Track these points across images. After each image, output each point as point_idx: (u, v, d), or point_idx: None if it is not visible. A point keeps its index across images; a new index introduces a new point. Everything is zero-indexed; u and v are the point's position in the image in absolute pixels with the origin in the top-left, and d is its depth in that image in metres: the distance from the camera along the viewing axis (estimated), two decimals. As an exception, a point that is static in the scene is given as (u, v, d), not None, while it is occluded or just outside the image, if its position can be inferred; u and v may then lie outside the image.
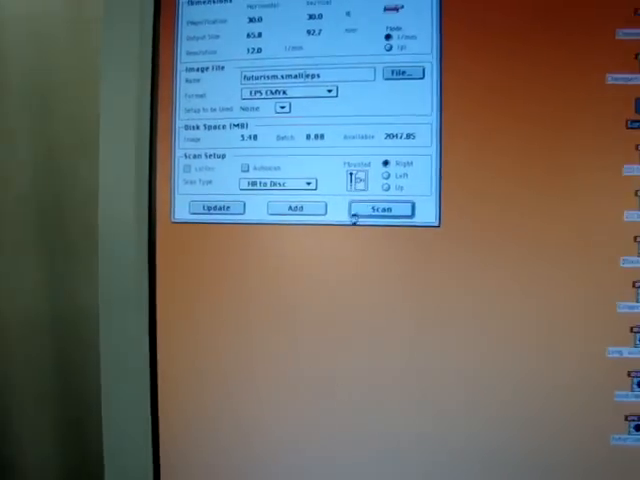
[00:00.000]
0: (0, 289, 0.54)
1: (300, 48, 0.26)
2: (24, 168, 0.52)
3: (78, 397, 0.53)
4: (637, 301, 0.25)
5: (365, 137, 0.26)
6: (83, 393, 0.47)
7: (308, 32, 0.26)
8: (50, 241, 0.53)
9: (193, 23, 0.28)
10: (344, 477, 0.27)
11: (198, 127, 0.27)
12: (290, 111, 0.27)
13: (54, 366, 0.55)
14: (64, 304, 0.54)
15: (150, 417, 0.29)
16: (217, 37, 0.27)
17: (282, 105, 0.27)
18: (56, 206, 0.53)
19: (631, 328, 0.25)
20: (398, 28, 0.26)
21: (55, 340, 0.54)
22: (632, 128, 0.25)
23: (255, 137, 0.27)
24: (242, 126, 0.27)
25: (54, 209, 0.53)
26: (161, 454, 0.29)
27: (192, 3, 0.28)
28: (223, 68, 0.27)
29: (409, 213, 0.26)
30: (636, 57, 0.25)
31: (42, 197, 0.53)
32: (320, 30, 0.26)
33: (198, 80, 0.27)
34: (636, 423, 0.25)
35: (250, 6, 0.27)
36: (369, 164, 0.26)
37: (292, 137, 0.27)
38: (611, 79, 0.25)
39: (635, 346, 0.25)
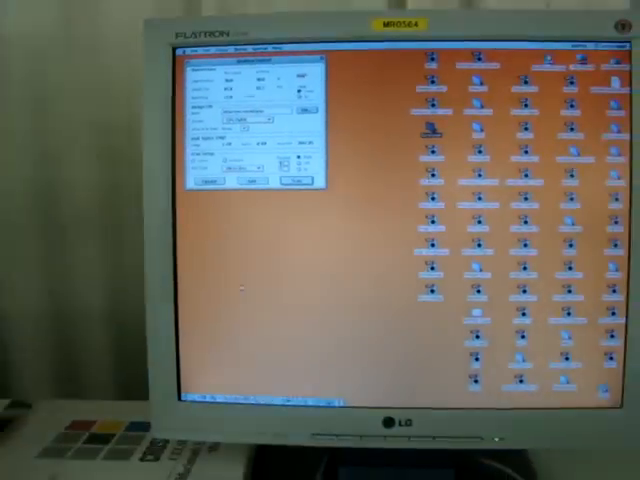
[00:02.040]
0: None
1: (253, 96, 0.50)
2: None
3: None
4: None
5: (288, 144, 0.50)
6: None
7: (257, 87, 0.50)
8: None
9: (195, 81, 0.51)
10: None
11: (199, 138, 0.51)
12: (249, 130, 0.50)
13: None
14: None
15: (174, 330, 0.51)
16: (208, 89, 0.51)
17: (244, 127, 0.50)
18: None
19: (426, 240, 0.50)
20: (304, 86, 0.50)
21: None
22: (423, 137, 0.49)
23: (230, 144, 0.51)
24: (222, 137, 0.51)
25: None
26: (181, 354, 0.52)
27: (195, 70, 0.51)
28: (211, 106, 0.51)
29: (310, 182, 0.50)
30: (426, 101, 0.49)
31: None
32: (264, 86, 0.50)
33: (198, 113, 0.51)
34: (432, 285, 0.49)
35: (226, 72, 0.51)
36: (290, 157, 0.50)
37: (249, 144, 0.50)
38: (413, 112, 0.49)
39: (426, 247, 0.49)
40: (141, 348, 0.51)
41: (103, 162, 0.79)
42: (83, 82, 0.78)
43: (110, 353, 0.81)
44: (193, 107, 0.51)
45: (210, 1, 0.76)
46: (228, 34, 0.49)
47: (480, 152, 0.49)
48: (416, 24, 0.48)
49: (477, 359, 0.50)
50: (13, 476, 0.51)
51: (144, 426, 0.55)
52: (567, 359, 0.50)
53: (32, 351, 0.80)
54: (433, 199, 0.49)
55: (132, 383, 0.66)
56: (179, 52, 0.50)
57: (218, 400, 0.52)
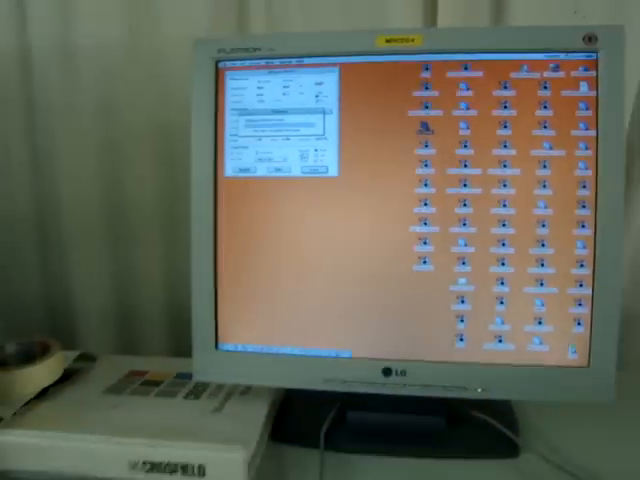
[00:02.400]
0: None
1: (279, 100, 0.62)
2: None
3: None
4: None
5: (307, 139, 0.61)
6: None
7: (283, 93, 0.62)
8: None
9: (233, 88, 0.63)
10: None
11: (236, 134, 0.63)
12: (276, 132, 0.62)
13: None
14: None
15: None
16: (243, 94, 0.63)
17: (275, 129, 0.62)
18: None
19: (419, 219, 0.59)
20: (321, 92, 0.61)
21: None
22: (418, 134, 0.59)
23: (260, 139, 0.62)
24: (254, 134, 0.62)
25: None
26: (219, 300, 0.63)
27: (233, 79, 0.63)
28: (246, 108, 0.63)
29: (325, 171, 0.61)
30: (421, 104, 0.59)
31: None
32: (288, 92, 0.62)
33: (235, 114, 0.63)
34: (424, 257, 0.59)
35: (258, 81, 0.62)
36: (309, 150, 0.61)
37: (276, 139, 0.61)
38: (410, 113, 0.60)
39: (420, 225, 0.59)
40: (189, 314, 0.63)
41: (162, 162, 0.91)
42: (144, 89, 0.89)
43: (164, 316, 0.94)
44: (231, 109, 0.62)
45: (259, 17, 0.86)
46: (260, 50, 0.61)
47: (466, 146, 0.58)
48: (413, 40, 0.58)
49: (462, 321, 0.59)
50: (83, 405, 0.63)
51: (189, 376, 0.66)
52: (540, 323, 0.59)
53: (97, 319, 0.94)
54: (426, 185, 0.59)
55: (181, 343, 0.78)
56: (221, 65, 0.62)
57: (248, 350, 0.63)
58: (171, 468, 0.54)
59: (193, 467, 0.54)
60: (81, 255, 0.93)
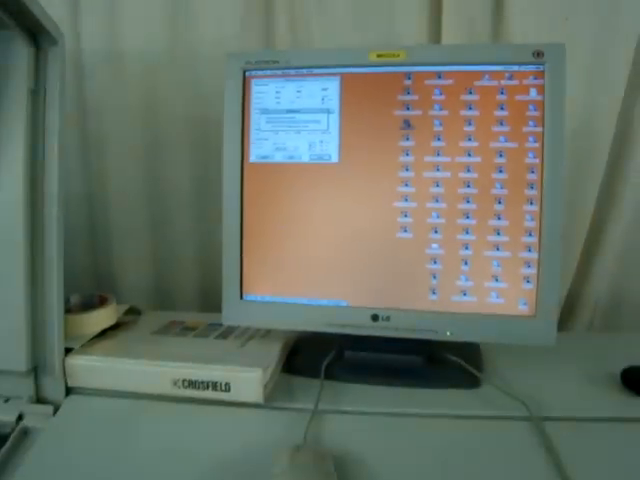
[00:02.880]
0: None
1: (293, 102, 0.78)
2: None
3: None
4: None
5: (314, 132, 0.77)
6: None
7: (296, 97, 0.78)
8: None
9: (257, 92, 0.79)
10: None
11: (258, 129, 0.79)
12: (289, 124, 0.78)
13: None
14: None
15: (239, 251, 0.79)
16: (264, 98, 0.79)
17: (286, 122, 0.78)
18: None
19: (402, 196, 0.75)
20: (326, 96, 0.77)
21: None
22: (401, 129, 0.75)
23: (277, 132, 0.78)
24: (273, 128, 0.79)
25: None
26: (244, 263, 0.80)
27: (257, 85, 0.79)
28: (267, 108, 0.79)
29: (329, 158, 0.77)
30: (404, 105, 0.75)
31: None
32: (300, 96, 0.78)
33: (258, 112, 0.79)
34: (405, 226, 0.75)
35: (276, 86, 0.79)
36: (315, 142, 0.77)
37: (289, 132, 0.78)
38: (396, 112, 0.76)
39: (402, 201, 0.75)
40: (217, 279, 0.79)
41: (198, 148, 1.06)
42: (184, 89, 1.04)
43: (197, 282, 1.11)
44: (255, 109, 0.78)
45: (282, 27, 1.00)
46: (278, 62, 0.77)
47: (439, 139, 0.74)
48: (398, 55, 0.74)
49: (434, 277, 0.75)
50: (135, 341, 0.80)
51: (219, 324, 0.83)
52: (497, 280, 0.74)
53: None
54: (407, 170, 0.74)
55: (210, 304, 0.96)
56: (247, 73, 0.78)
57: (267, 300, 0.79)
58: (204, 385, 0.71)
59: (221, 384, 0.70)
60: (125, 234, 1.10)
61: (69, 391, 0.75)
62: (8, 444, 0.67)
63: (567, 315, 1.07)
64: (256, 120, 0.78)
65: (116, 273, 1.11)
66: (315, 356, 0.79)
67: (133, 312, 0.92)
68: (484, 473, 0.59)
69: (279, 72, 0.77)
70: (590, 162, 0.98)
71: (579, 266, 1.05)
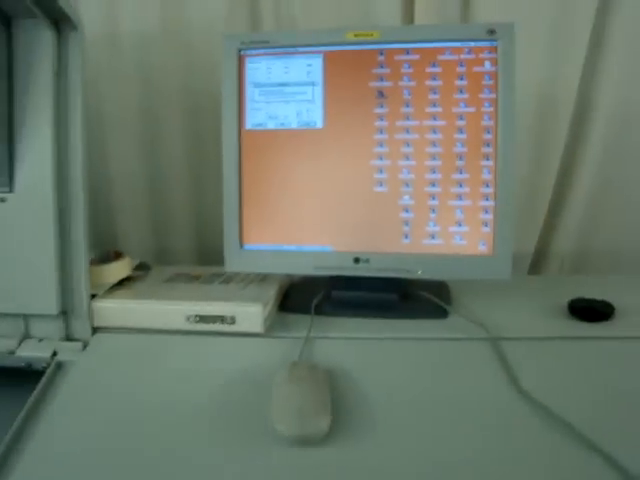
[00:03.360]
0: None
1: (281, 76, 0.90)
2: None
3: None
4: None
5: (301, 102, 0.89)
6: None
7: (284, 72, 0.90)
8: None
9: (250, 69, 0.91)
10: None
11: (252, 100, 0.91)
12: (279, 95, 0.90)
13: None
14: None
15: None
16: (257, 73, 0.91)
17: (277, 93, 0.90)
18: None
19: (377, 156, 0.88)
20: (311, 70, 0.89)
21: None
22: (376, 98, 0.88)
23: (269, 102, 0.90)
24: (265, 99, 0.91)
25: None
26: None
27: (251, 63, 0.91)
28: (259, 82, 0.91)
29: (315, 125, 0.89)
30: (378, 77, 0.87)
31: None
32: (288, 71, 0.90)
33: (252, 86, 0.91)
34: (380, 182, 0.88)
35: (267, 63, 0.91)
36: (302, 110, 0.89)
37: (280, 103, 0.90)
38: (370, 84, 0.88)
39: (377, 160, 0.88)
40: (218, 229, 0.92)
41: (191, 116, 1.19)
42: (177, 64, 1.15)
43: (193, 233, 1.24)
44: (249, 83, 0.90)
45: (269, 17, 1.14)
46: (268, 42, 0.89)
47: (408, 106, 0.86)
48: (372, 35, 0.86)
49: (407, 224, 0.87)
50: (150, 287, 0.93)
51: (221, 274, 0.95)
52: (460, 225, 0.86)
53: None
54: (381, 133, 0.87)
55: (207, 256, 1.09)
56: (242, 52, 0.90)
57: (263, 248, 0.91)
58: (213, 319, 0.83)
59: (227, 318, 0.83)
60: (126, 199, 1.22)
61: (95, 331, 0.86)
62: (46, 375, 0.79)
63: (537, 263, 1.21)
64: (250, 93, 0.89)
65: (119, 236, 1.24)
66: (306, 296, 0.91)
67: (143, 268, 1.04)
68: (449, 383, 0.71)
69: (269, 51, 0.89)
70: (555, 124, 1.12)
71: (547, 219, 1.18)
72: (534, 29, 1.05)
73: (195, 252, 1.24)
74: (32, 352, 0.84)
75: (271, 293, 0.88)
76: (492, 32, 0.83)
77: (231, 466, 0.60)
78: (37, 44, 0.80)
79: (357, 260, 0.87)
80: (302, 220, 0.89)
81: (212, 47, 1.06)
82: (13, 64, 0.81)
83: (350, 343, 0.81)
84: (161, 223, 1.24)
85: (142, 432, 0.65)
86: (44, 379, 0.78)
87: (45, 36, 0.80)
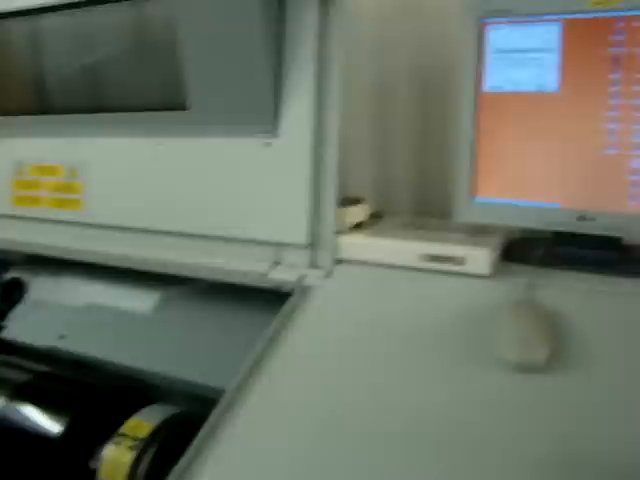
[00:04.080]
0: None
1: (519, 44, 0.98)
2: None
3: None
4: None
5: (538, 67, 0.96)
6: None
7: (522, 39, 0.97)
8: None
9: (494, 38, 1.00)
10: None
11: (492, 64, 1.00)
12: (518, 63, 0.98)
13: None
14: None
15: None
16: (496, 40, 0.99)
17: (517, 61, 0.98)
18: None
19: (609, 120, 0.93)
20: (549, 38, 0.96)
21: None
22: (612, 64, 0.92)
23: (506, 67, 0.99)
24: (505, 67, 0.99)
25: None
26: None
27: (491, 31, 1.00)
28: (499, 49, 0.99)
29: (550, 88, 0.95)
30: (613, 44, 0.92)
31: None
32: (525, 39, 0.97)
33: (491, 57, 1.00)
34: None
35: (508, 30, 0.99)
36: (539, 75, 0.96)
37: (516, 68, 0.98)
38: (607, 50, 0.93)
39: (608, 123, 0.93)
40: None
41: (423, 89, 1.31)
42: (410, 37, 1.29)
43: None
44: (488, 48, 0.98)
45: None
46: (510, 11, 0.97)
47: (646, 71, 0.90)
48: (613, 2, 0.91)
49: (635, 187, 0.92)
50: (386, 229, 1.06)
51: (446, 225, 1.06)
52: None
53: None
54: (615, 97, 0.91)
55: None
56: (481, 20, 0.98)
57: (492, 201, 0.99)
58: (444, 259, 0.94)
59: (458, 258, 0.93)
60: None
61: (337, 262, 1.01)
62: (294, 296, 0.95)
63: None
64: (489, 58, 0.98)
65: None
66: (527, 249, 0.99)
67: (376, 215, 1.17)
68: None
69: (508, 19, 0.96)
70: None
71: None
72: None
73: (415, 205, 1.36)
74: (282, 275, 1.00)
75: (499, 241, 0.97)
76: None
77: (457, 387, 0.72)
78: (302, 16, 0.96)
79: (582, 218, 0.93)
80: (532, 176, 0.96)
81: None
82: (285, 30, 0.97)
83: (570, 292, 0.87)
84: (385, 179, 1.37)
85: (373, 352, 0.81)
86: (292, 299, 0.94)
87: (309, 9, 0.95)
